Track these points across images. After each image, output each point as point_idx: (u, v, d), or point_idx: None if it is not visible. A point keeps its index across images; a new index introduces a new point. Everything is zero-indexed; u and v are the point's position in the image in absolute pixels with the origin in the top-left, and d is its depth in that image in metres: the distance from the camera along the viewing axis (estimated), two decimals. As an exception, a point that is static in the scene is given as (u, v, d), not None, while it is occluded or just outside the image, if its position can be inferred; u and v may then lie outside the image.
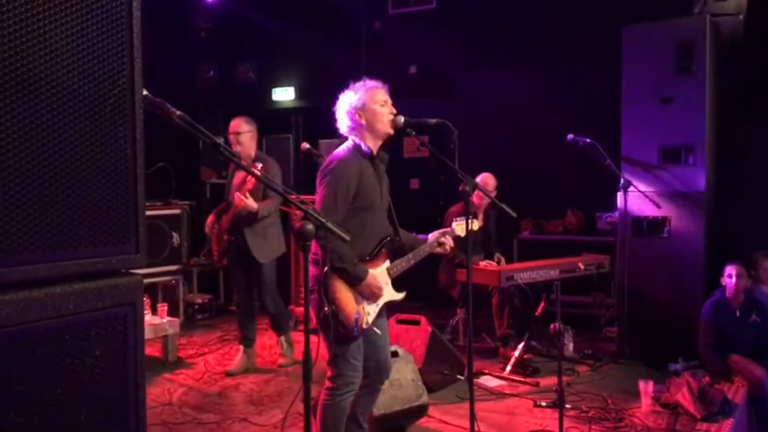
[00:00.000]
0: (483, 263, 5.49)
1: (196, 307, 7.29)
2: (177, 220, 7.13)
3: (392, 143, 6.89)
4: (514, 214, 3.41)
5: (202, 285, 7.72)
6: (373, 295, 3.16)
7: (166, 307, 5.85)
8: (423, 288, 6.37)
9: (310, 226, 2.05)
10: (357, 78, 3.40)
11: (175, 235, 7.07)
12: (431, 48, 7.68)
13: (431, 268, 5.85)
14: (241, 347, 5.38)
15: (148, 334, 5.55)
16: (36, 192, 1.13)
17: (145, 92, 2.11)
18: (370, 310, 3.17)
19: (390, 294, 3.27)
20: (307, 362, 2.14)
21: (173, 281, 7.12)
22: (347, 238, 2.24)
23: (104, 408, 1.21)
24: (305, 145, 5.11)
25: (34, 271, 1.11)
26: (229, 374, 5.20)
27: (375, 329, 3.18)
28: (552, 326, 3.80)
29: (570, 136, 5.62)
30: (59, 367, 1.15)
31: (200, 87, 8.50)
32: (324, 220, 2.10)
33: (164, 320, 5.68)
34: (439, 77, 7.76)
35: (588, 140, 5.54)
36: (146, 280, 5.86)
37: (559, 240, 6.87)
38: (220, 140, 2.05)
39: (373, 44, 7.96)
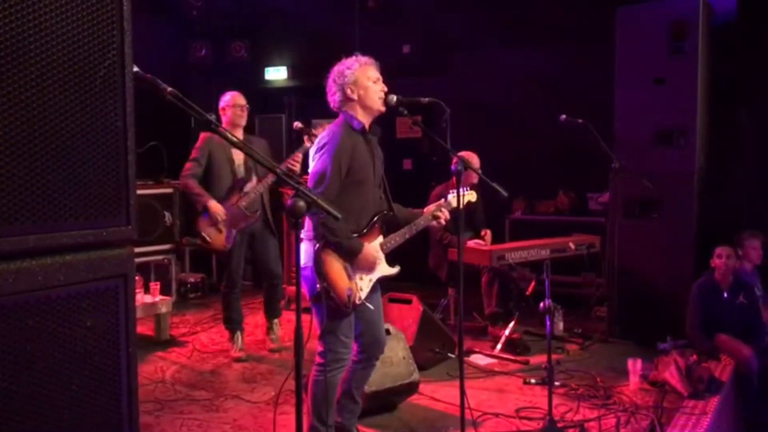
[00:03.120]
0: (472, 242, 5.50)
1: (189, 286, 7.31)
2: (169, 200, 7.12)
3: (385, 123, 6.95)
4: (506, 194, 3.43)
5: (194, 264, 7.73)
6: (369, 268, 3.19)
7: (158, 286, 5.86)
8: (415, 268, 6.41)
9: (301, 203, 2.06)
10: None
11: (167, 214, 7.06)
12: (425, 27, 7.65)
13: (424, 248, 5.88)
14: (237, 331, 5.32)
15: (140, 312, 5.56)
16: (26, 163, 1.14)
17: (135, 69, 2.11)
18: (363, 286, 3.20)
19: (383, 269, 3.30)
20: (298, 339, 2.15)
21: (166, 260, 7.12)
22: (339, 215, 2.25)
23: (96, 378, 1.22)
24: (297, 124, 5.10)
25: (25, 242, 1.12)
26: (241, 360, 5.15)
27: (368, 305, 3.21)
28: (541, 304, 3.82)
29: (563, 117, 5.61)
30: (51, 337, 1.17)
31: (192, 65, 8.45)
32: (315, 197, 2.11)
33: (157, 299, 5.69)
34: (433, 57, 7.73)
35: (580, 121, 5.54)
36: (139, 259, 5.89)
37: (551, 220, 6.90)
38: (212, 117, 2.05)
39: (367, 23, 7.91)
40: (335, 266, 3.12)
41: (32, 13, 1.14)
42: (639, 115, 5.51)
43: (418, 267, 6.07)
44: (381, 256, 3.29)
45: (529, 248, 5.18)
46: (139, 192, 6.76)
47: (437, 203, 3.55)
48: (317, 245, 3.09)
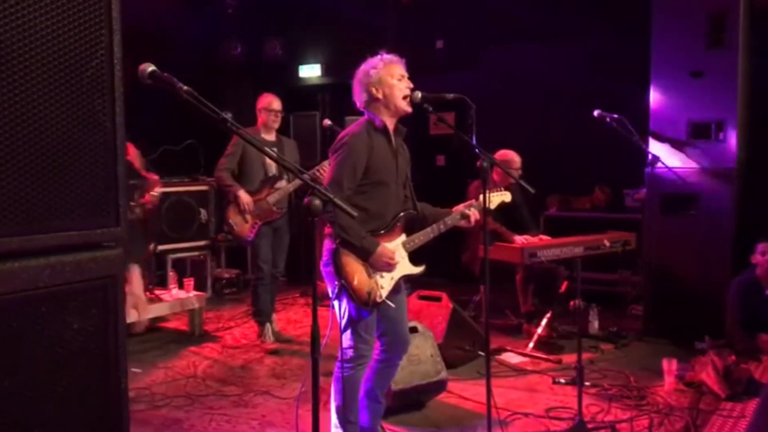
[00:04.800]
0: (520, 237, 5.36)
1: (224, 281, 7.39)
2: (205, 197, 7.22)
3: (417, 120, 6.92)
4: (533, 191, 3.37)
5: (230, 260, 7.81)
6: (386, 267, 3.16)
7: (192, 282, 5.94)
8: (447, 264, 6.39)
9: (317, 202, 2.05)
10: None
11: (203, 211, 7.16)
12: (458, 22, 7.59)
13: (456, 245, 5.83)
14: (267, 323, 5.41)
15: (174, 308, 5.67)
16: (11, 164, 1.14)
17: (152, 68, 2.13)
18: (384, 284, 3.17)
19: (406, 268, 3.27)
20: (314, 336, 2.16)
21: (201, 256, 7.22)
22: (354, 213, 2.23)
23: (84, 379, 1.23)
24: (327, 122, 5.16)
25: (7, 244, 1.13)
26: (273, 352, 5.21)
27: (389, 303, 3.18)
28: (572, 303, 3.76)
29: (597, 112, 5.51)
30: (36, 338, 1.17)
31: (227, 63, 8.52)
32: (331, 196, 2.10)
33: (190, 294, 5.77)
34: (467, 51, 7.66)
35: (615, 116, 5.43)
36: (175, 256, 5.99)
37: (587, 217, 6.77)
38: (228, 115, 2.05)
39: (401, 19, 7.88)
40: (354, 264, 3.10)
41: (17, 12, 1.14)
42: (675, 110, 5.38)
43: (451, 264, 6.05)
44: (403, 254, 3.26)
45: (562, 245, 5.09)
46: (175, 189, 6.98)
47: (467, 203, 3.50)
48: (335, 243, 3.09)
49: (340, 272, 3.08)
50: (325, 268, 3.17)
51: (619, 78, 6.50)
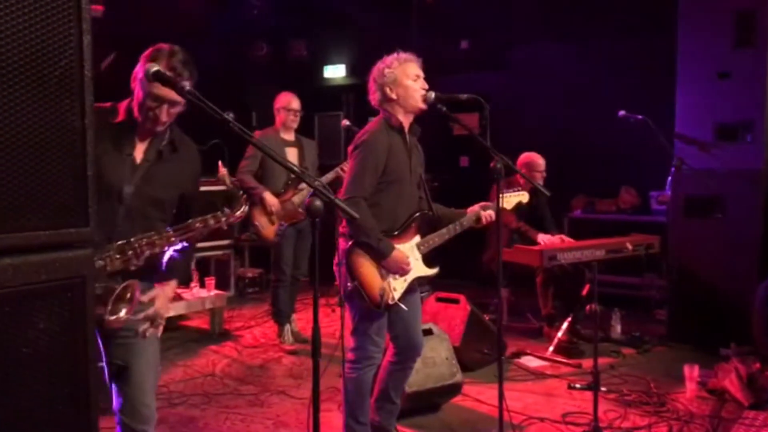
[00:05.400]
0: (543, 237, 5.30)
1: (247, 281, 7.44)
2: (229, 196, 7.25)
3: (441, 121, 6.86)
4: (548, 193, 3.33)
5: (253, 259, 7.86)
6: (399, 271, 3.14)
7: (213, 281, 5.98)
8: (469, 266, 6.35)
9: (318, 203, 2.05)
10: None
11: (227, 210, 7.18)
12: (484, 22, 7.53)
13: (477, 245, 5.77)
14: (286, 324, 5.43)
15: (196, 306, 5.71)
16: None
17: (156, 67, 2.15)
18: (397, 286, 3.16)
19: (420, 269, 3.25)
20: (315, 338, 2.16)
21: (225, 256, 7.27)
22: (356, 215, 2.22)
23: (50, 379, 1.23)
24: (345, 122, 5.15)
25: None
26: (293, 353, 5.23)
27: (401, 305, 3.16)
28: (588, 307, 3.70)
29: (621, 113, 5.44)
30: (0, 337, 1.18)
31: (253, 64, 8.58)
32: (332, 197, 2.09)
33: (211, 293, 5.81)
34: (492, 51, 7.61)
35: (640, 117, 5.35)
36: (199, 255, 6.03)
37: (612, 219, 6.68)
38: (230, 116, 2.05)
39: (425, 19, 7.85)
40: (367, 265, 3.09)
41: None
42: (701, 111, 5.27)
43: (472, 266, 6.00)
44: (417, 256, 3.24)
45: (582, 248, 4.99)
46: (203, 189, 7.03)
47: (482, 203, 3.47)
48: (348, 244, 3.08)
49: (352, 272, 3.07)
50: (337, 267, 3.17)
51: (645, 78, 6.41)
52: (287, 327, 5.40)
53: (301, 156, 5.33)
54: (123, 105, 2.35)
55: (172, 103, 2.28)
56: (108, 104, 2.34)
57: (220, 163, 2.48)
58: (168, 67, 2.20)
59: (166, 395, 4.35)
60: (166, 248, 2.36)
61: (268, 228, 5.16)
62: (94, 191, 1.28)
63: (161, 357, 5.12)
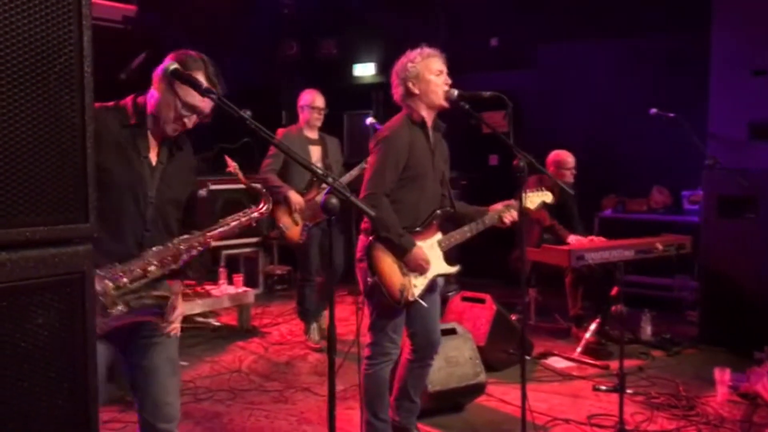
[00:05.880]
0: (573, 237, 5.24)
1: (275, 278, 7.48)
2: (257, 195, 7.30)
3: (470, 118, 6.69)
4: (572, 192, 3.29)
5: (282, 257, 7.90)
6: (419, 268, 3.13)
7: (241, 278, 6.03)
8: (496, 265, 6.31)
9: (334, 201, 2.05)
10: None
11: (253, 207, 7.24)
12: (513, 20, 7.47)
13: (506, 245, 5.72)
14: (312, 323, 5.43)
15: (224, 303, 5.76)
16: None
17: (175, 65, 2.17)
18: (417, 283, 3.14)
19: (440, 267, 3.23)
20: (331, 336, 2.16)
21: (253, 253, 7.32)
22: (372, 213, 2.22)
23: (49, 375, 1.24)
24: (370, 120, 5.13)
25: None
26: (320, 351, 5.23)
27: (422, 302, 3.15)
28: (613, 308, 3.64)
29: (653, 111, 5.35)
30: None
31: (284, 62, 8.63)
32: (348, 194, 2.09)
33: (239, 290, 5.86)
34: (522, 49, 7.54)
35: (671, 115, 5.26)
36: (228, 252, 6.08)
37: (643, 219, 6.57)
38: (247, 113, 2.06)
39: (454, 17, 7.81)
40: (387, 261, 3.09)
41: None
42: (735, 109, 5.15)
43: (500, 265, 5.95)
44: (438, 253, 3.23)
45: (611, 248, 4.92)
46: (228, 187, 7.10)
47: (505, 202, 3.44)
48: (369, 239, 3.08)
49: (373, 268, 3.07)
50: (358, 264, 3.17)
51: (677, 76, 6.30)
52: (314, 325, 5.41)
53: (325, 154, 5.31)
54: (129, 104, 2.32)
55: (204, 115, 2.29)
56: (111, 103, 2.31)
57: (227, 158, 2.47)
58: (205, 78, 2.22)
59: (192, 390, 4.39)
60: (203, 250, 2.38)
61: (292, 229, 5.13)
62: (94, 187, 1.29)
63: (189, 353, 5.23)
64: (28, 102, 1.21)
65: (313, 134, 5.31)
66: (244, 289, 5.94)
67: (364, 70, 8.59)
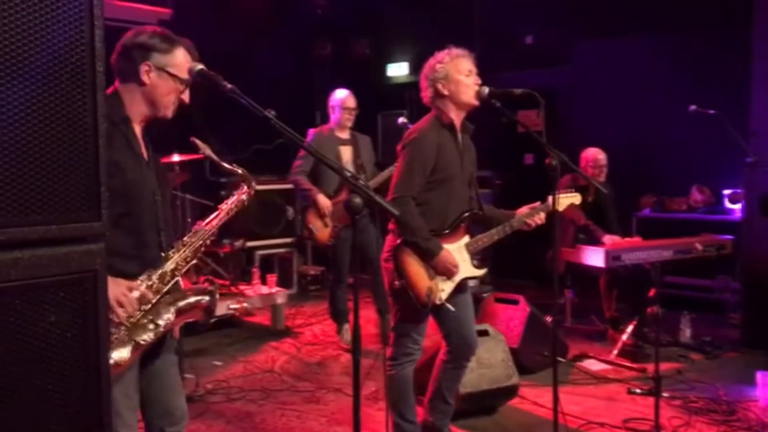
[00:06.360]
0: (607, 237, 5.15)
1: (309, 278, 7.50)
2: (292, 195, 7.34)
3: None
4: (605, 191, 3.22)
5: (316, 257, 7.92)
6: (446, 272, 3.09)
7: (275, 278, 6.06)
8: (531, 266, 6.23)
9: (357, 200, 2.03)
10: (472, 51, 3.31)
11: (289, 209, 7.29)
12: (549, 16, 7.37)
13: (541, 246, 5.64)
14: (344, 324, 5.43)
15: (257, 303, 5.79)
16: None
17: (201, 66, 2.17)
18: (445, 287, 3.11)
19: (468, 270, 3.19)
20: (356, 337, 2.14)
21: (287, 253, 7.35)
22: (396, 212, 2.19)
23: (62, 372, 1.25)
24: (402, 120, 5.10)
25: None
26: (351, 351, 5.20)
27: (449, 306, 3.11)
28: (649, 310, 3.55)
29: (692, 107, 5.23)
30: (10, 330, 1.21)
31: (316, 62, 8.65)
32: (372, 194, 2.07)
33: (273, 290, 5.88)
34: (557, 47, 7.43)
35: (711, 111, 5.13)
36: (262, 252, 6.11)
37: (683, 219, 6.42)
38: (271, 113, 2.06)
39: (489, 15, 7.74)
40: (414, 265, 3.06)
41: None
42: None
43: (535, 266, 5.88)
44: (465, 256, 3.19)
45: (648, 249, 4.83)
46: (263, 188, 7.13)
47: (532, 205, 3.38)
48: (397, 241, 3.05)
49: (400, 271, 3.05)
50: (385, 264, 3.15)
51: (717, 73, 6.14)
52: (345, 326, 5.40)
53: (356, 153, 5.29)
54: (118, 97, 2.22)
55: (188, 84, 2.25)
56: (108, 91, 2.15)
57: (195, 140, 2.35)
58: (187, 53, 2.22)
59: (225, 390, 4.43)
60: (212, 238, 2.39)
61: (322, 231, 5.14)
62: (106, 186, 1.30)
63: (223, 352, 5.27)
64: (41, 102, 1.22)
65: (344, 134, 5.29)
66: (277, 289, 5.97)
67: (398, 70, 8.57)
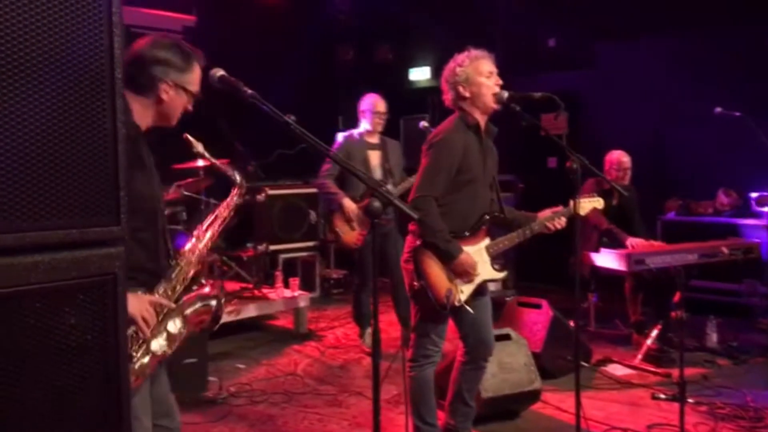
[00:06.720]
0: (631, 240, 5.10)
1: (332, 282, 7.53)
2: (315, 199, 7.38)
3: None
4: (626, 193, 3.20)
5: (338, 261, 7.95)
6: (465, 274, 3.09)
7: (297, 282, 6.08)
8: (555, 270, 6.18)
9: (377, 204, 2.04)
10: (494, 54, 3.31)
11: (312, 212, 7.33)
12: (572, 19, 7.32)
13: (565, 250, 5.60)
14: (367, 327, 5.44)
15: (280, 306, 5.83)
16: (7, 163, 1.22)
17: (222, 72, 2.20)
18: (464, 289, 3.11)
19: (488, 273, 3.19)
20: (375, 339, 2.15)
21: (310, 257, 7.39)
22: (416, 215, 2.20)
23: (81, 376, 1.28)
24: (424, 123, 5.10)
25: (1, 240, 1.19)
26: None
27: (468, 308, 3.11)
28: (673, 314, 3.52)
29: (718, 110, 5.17)
30: (32, 333, 1.24)
31: (339, 67, 8.70)
32: (392, 198, 2.08)
33: (295, 294, 5.91)
34: (580, 49, 7.39)
35: (737, 114, 5.07)
36: (285, 256, 6.15)
37: (709, 222, 6.34)
38: (291, 118, 2.07)
39: (511, 18, 7.72)
40: (434, 266, 3.06)
41: (16, 15, 1.21)
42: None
43: (559, 270, 5.84)
44: (486, 259, 3.18)
45: (673, 252, 4.78)
46: (286, 192, 7.19)
47: (553, 209, 3.37)
48: (417, 243, 3.06)
49: (419, 272, 3.06)
50: (405, 265, 3.16)
51: (743, 74, 6.06)
52: (368, 330, 5.41)
53: (385, 158, 5.30)
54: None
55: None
56: None
57: (188, 137, 2.31)
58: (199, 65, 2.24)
59: (248, 393, 4.46)
60: (215, 242, 2.42)
61: (348, 234, 5.15)
62: (126, 191, 1.33)
63: (246, 355, 5.30)
64: (62, 108, 1.25)
65: (374, 139, 5.29)
66: (300, 292, 5.99)
67: (420, 75, 8.58)
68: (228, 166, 2.54)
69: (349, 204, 5.07)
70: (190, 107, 2.28)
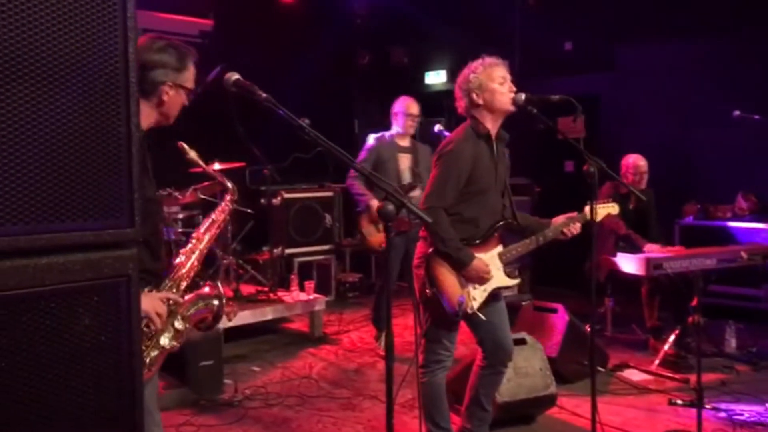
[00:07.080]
0: (648, 246, 5.06)
1: (347, 285, 7.53)
2: (330, 203, 7.41)
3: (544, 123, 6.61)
4: (644, 198, 3.18)
5: (354, 264, 7.95)
6: (479, 280, 3.08)
7: (313, 285, 6.09)
8: (572, 275, 6.15)
9: (390, 207, 2.04)
10: (510, 58, 3.31)
11: (327, 216, 7.35)
12: (588, 22, 7.29)
13: (581, 254, 5.57)
14: (384, 332, 5.43)
15: (295, 309, 5.84)
16: (22, 166, 1.24)
17: (237, 76, 2.21)
18: (477, 296, 3.10)
19: (501, 279, 3.17)
20: (389, 343, 2.15)
21: (326, 260, 7.40)
22: (429, 219, 2.20)
23: (96, 376, 1.29)
24: (438, 127, 5.09)
25: (15, 242, 1.21)
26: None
27: (480, 315, 3.10)
28: (690, 319, 3.48)
29: (737, 113, 5.13)
30: (46, 333, 1.26)
31: (356, 71, 8.72)
32: (406, 201, 2.08)
33: (311, 297, 5.92)
34: (597, 52, 7.35)
35: (757, 117, 5.02)
36: (301, 259, 6.16)
37: (728, 227, 6.28)
38: (305, 122, 2.08)
39: (527, 21, 7.70)
40: (446, 274, 3.05)
41: (32, 21, 1.23)
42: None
43: (575, 274, 5.81)
44: (498, 265, 3.17)
45: (691, 257, 4.73)
46: (301, 195, 7.20)
47: (568, 215, 3.35)
48: (429, 250, 3.05)
49: (431, 279, 3.05)
50: (416, 270, 3.16)
51: (762, 77, 6.00)
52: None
53: (414, 162, 5.27)
54: None
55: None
56: None
57: (182, 144, 2.29)
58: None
59: (263, 396, 4.47)
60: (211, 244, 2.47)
61: (374, 236, 5.15)
62: (140, 193, 1.34)
63: (262, 358, 5.31)
64: (76, 111, 1.28)
65: (405, 142, 5.28)
66: (315, 295, 6.00)
67: (436, 78, 8.58)
68: (219, 173, 2.63)
69: (376, 206, 5.07)
70: (186, 103, 2.31)
